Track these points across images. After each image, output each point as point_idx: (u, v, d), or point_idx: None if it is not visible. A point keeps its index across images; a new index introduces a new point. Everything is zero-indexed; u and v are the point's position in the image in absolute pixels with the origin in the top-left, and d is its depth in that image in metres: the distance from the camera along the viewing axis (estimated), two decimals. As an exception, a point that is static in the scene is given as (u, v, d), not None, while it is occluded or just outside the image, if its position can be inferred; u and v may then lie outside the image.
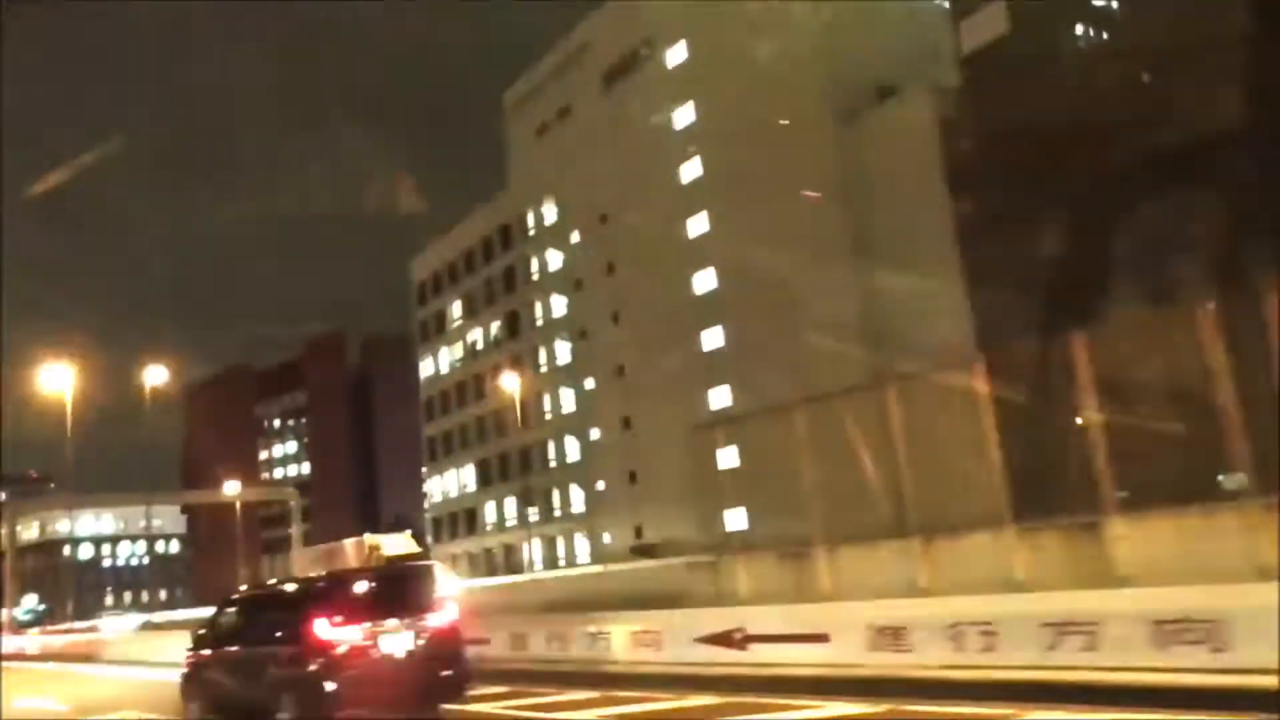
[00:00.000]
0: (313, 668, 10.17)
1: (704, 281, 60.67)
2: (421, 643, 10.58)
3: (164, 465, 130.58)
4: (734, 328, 58.46)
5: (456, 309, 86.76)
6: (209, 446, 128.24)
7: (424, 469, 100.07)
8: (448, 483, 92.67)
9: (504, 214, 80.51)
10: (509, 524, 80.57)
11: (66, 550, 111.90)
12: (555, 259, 75.20)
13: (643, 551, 55.44)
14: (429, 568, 12.10)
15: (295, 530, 70.51)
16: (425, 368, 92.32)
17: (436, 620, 10.89)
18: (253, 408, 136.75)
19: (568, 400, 74.16)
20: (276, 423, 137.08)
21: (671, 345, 60.11)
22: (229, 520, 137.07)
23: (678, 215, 61.33)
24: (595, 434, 70.00)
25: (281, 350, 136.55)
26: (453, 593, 13.41)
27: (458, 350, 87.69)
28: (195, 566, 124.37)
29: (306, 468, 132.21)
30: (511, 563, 77.56)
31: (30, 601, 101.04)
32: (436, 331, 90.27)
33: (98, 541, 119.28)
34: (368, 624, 10.41)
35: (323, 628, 10.24)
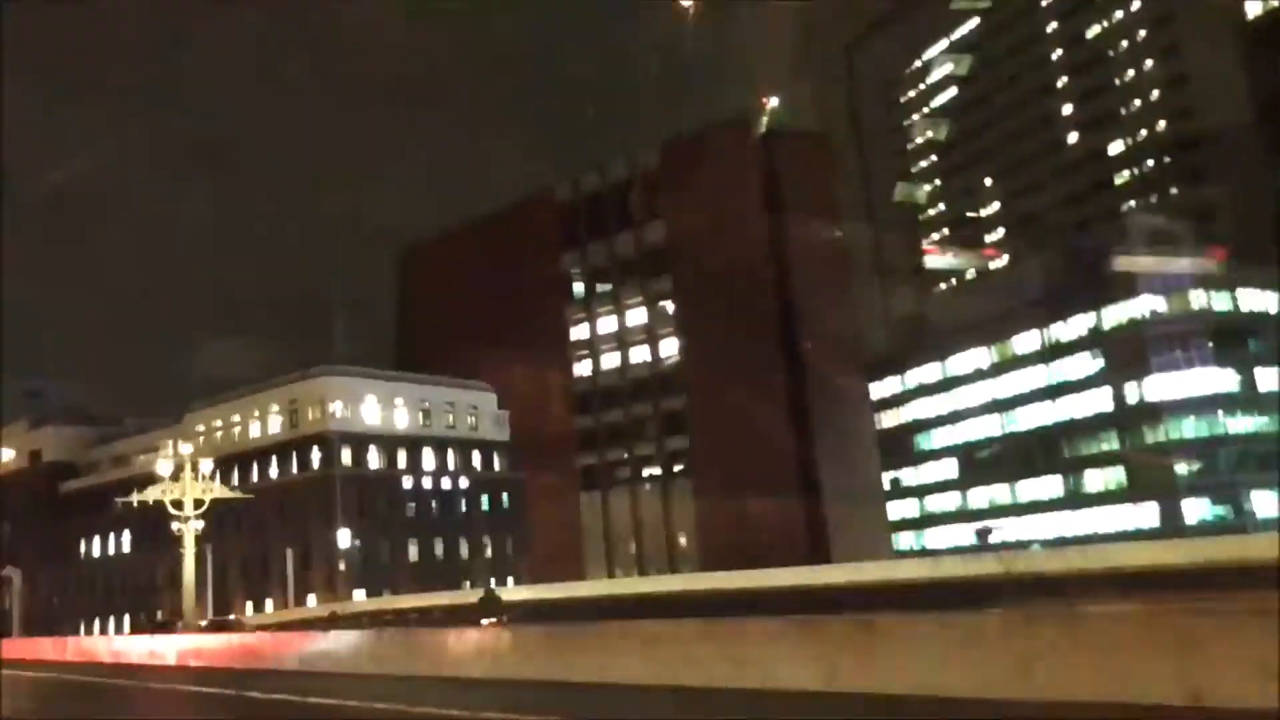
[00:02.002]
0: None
1: None
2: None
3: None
4: None
5: None
6: (478, 326, 77.88)
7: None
8: None
9: None
10: None
11: (346, 457, 62.89)
12: None
13: None
14: None
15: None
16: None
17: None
18: (558, 258, 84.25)
19: None
20: (600, 284, 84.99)
21: None
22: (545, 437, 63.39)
23: None
24: None
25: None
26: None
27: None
28: (529, 502, 74.34)
29: (666, 350, 77.39)
30: None
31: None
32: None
33: (391, 443, 64.60)
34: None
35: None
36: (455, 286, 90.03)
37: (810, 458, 73.90)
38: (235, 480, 64.79)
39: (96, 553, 73.21)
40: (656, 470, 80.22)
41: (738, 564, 51.49)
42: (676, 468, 79.01)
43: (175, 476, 26.33)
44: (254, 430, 64.02)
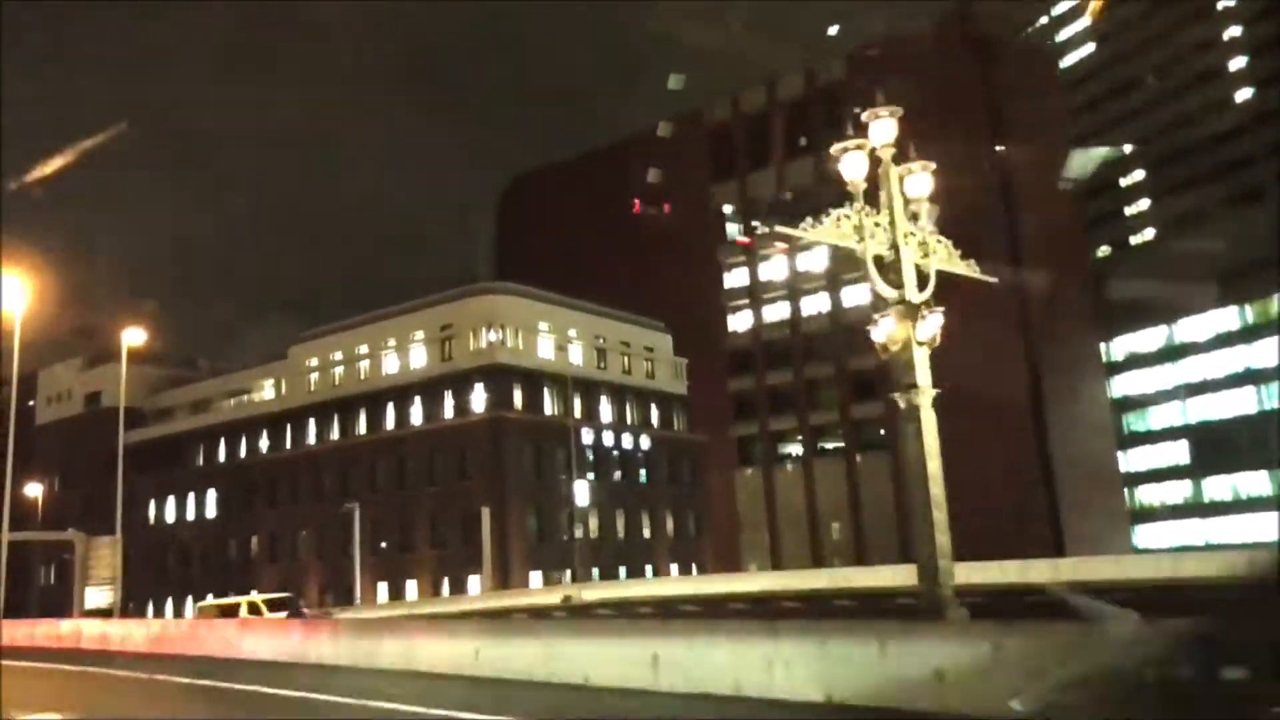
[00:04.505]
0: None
1: None
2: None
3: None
4: None
5: None
6: (600, 271, 65.00)
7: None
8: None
9: None
10: None
11: (517, 396, 48.83)
12: None
13: None
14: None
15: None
16: None
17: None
18: (708, 191, 71.94)
19: None
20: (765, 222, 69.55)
21: None
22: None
23: None
24: None
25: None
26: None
27: None
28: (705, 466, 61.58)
29: (851, 298, 64.76)
30: None
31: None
32: None
33: (565, 385, 48.17)
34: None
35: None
36: (573, 222, 76.86)
37: (1038, 431, 60.65)
38: (362, 428, 51.63)
39: (170, 516, 59.55)
40: (837, 443, 66.91)
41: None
42: (864, 440, 65.69)
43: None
44: (389, 364, 50.50)
